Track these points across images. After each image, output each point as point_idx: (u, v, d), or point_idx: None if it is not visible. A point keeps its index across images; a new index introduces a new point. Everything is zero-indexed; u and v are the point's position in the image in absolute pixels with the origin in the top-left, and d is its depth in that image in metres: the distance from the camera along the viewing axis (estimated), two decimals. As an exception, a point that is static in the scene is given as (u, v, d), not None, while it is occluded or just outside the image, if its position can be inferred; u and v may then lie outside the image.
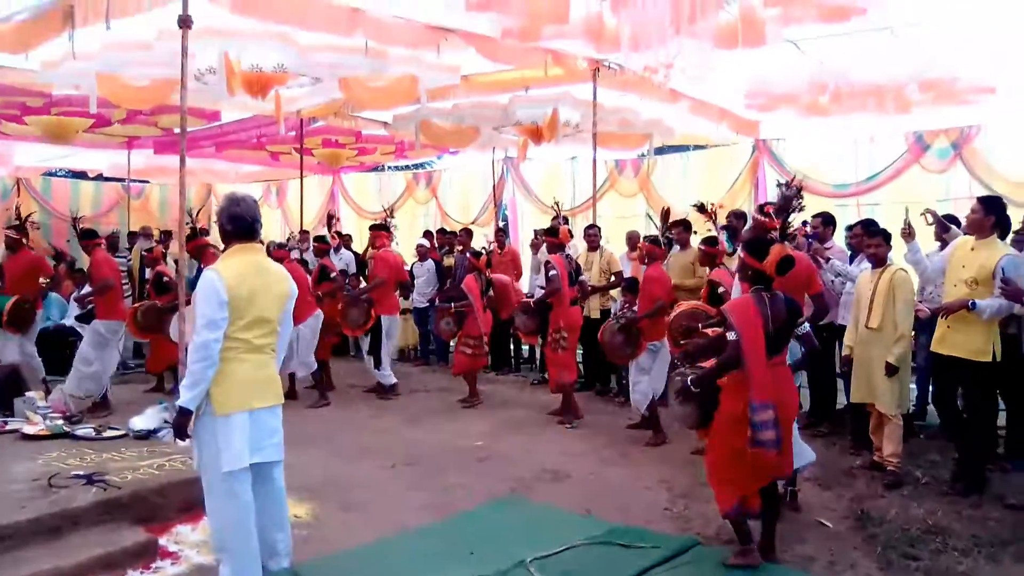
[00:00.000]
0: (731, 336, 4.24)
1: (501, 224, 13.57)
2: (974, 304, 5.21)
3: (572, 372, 7.92)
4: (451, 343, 9.74)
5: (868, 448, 6.26)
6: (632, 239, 9.80)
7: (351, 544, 4.61)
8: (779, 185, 5.52)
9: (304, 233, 12.03)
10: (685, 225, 8.32)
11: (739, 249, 4.61)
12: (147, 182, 16.00)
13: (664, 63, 6.01)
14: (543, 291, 8.00)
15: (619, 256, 9.27)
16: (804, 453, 5.04)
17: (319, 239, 9.52)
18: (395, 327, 8.84)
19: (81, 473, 4.74)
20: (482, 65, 8.75)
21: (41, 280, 8.06)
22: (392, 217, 11.81)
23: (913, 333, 6.07)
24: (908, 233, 5.77)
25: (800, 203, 5.44)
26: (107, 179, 15.67)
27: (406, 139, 12.69)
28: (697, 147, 12.62)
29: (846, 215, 10.42)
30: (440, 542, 4.67)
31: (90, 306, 8.33)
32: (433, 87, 8.94)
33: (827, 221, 7.31)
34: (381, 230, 9.23)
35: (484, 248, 8.99)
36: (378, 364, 8.71)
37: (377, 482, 5.79)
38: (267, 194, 16.58)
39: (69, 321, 10.32)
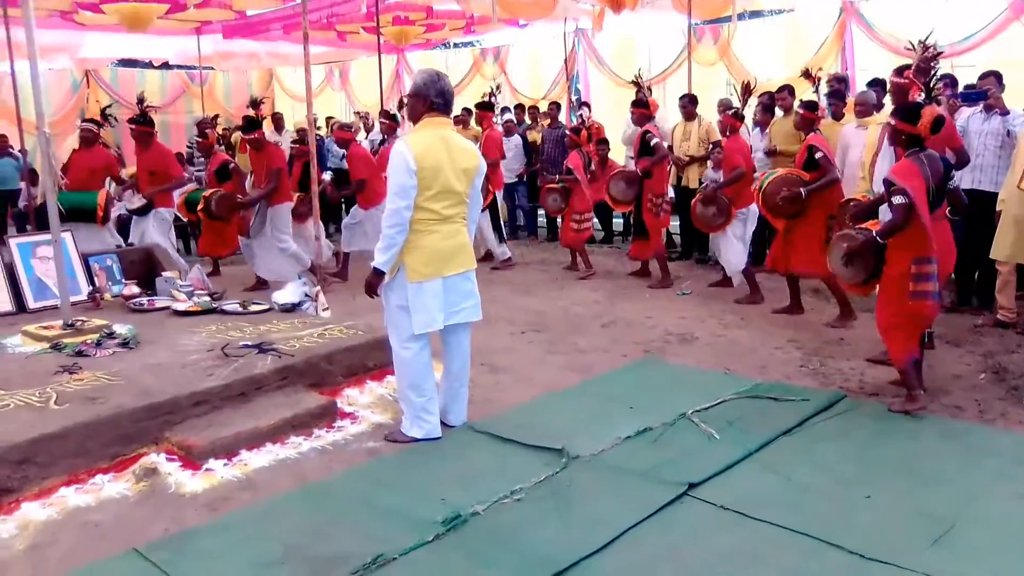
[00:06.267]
0: (897, 200, 4.32)
1: (575, 98, 13.42)
2: None
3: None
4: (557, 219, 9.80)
5: (989, 308, 6.33)
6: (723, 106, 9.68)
7: (510, 402, 4.84)
8: (913, 48, 5.39)
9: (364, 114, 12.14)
10: (789, 90, 8.18)
11: (889, 117, 4.64)
12: (211, 69, 15.92)
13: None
14: (641, 160, 7.98)
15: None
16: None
17: (389, 116, 9.42)
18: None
19: (250, 343, 4.97)
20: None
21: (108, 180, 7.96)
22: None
23: None
24: None
25: (937, 66, 5.37)
26: (171, 67, 15.67)
27: (477, 13, 12.47)
28: (780, 11, 12.19)
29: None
30: (596, 399, 4.87)
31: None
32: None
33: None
34: (487, 109, 9.13)
35: (582, 123, 8.87)
36: (501, 238, 8.93)
37: (513, 347, 5.99)
38: (330, 76, 16.46)
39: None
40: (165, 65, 15.38)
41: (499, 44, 14.58)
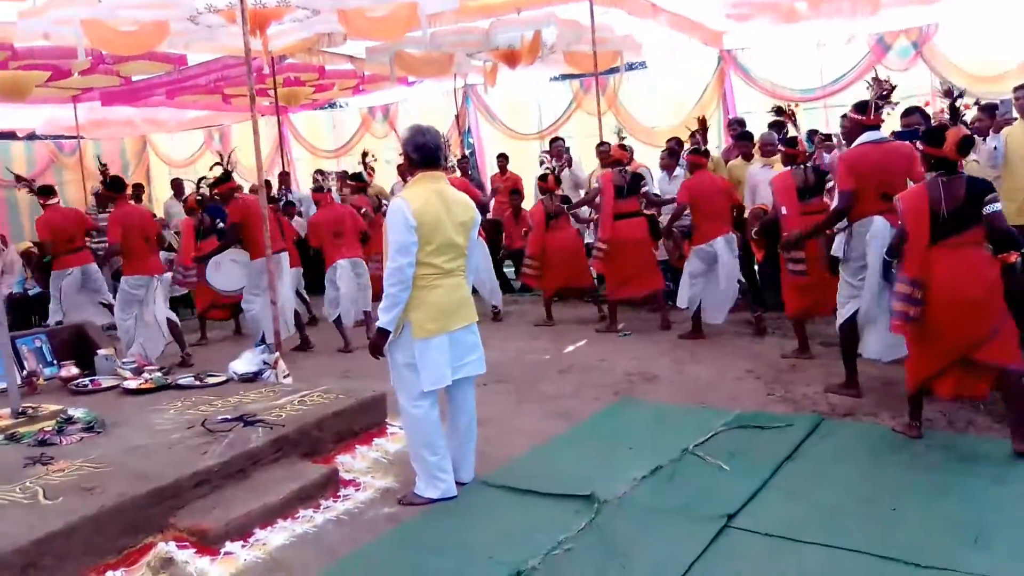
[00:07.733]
0: (899, 223, 4.59)
1: (468, 152, 13.58)
2: None
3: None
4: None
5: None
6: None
7: (506, 454, 4.78)
8: (868, 85, 5.64)
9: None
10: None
11: (918, 142, 4.73)
12: (82, 138, 15.14)
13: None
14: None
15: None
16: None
17: (355, 177, 9.16)
18: None
19: (230, 416, 4.73)
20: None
21: None
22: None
23: None
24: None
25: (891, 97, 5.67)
26: (36, 137, 14.82)
27: (368, 72, 12.50)
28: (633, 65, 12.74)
29: (813, 119, 11.03)
30: (592, 444, 4.91)
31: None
32: (432, 12, 8.84)
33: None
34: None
35: (548, 168, 8.83)
36: None
37: (483, 398, 5.77)
38: (209, 140, 15.98)
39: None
40: (30, 136, 14.53)
41: (388, 102, 14.59)
